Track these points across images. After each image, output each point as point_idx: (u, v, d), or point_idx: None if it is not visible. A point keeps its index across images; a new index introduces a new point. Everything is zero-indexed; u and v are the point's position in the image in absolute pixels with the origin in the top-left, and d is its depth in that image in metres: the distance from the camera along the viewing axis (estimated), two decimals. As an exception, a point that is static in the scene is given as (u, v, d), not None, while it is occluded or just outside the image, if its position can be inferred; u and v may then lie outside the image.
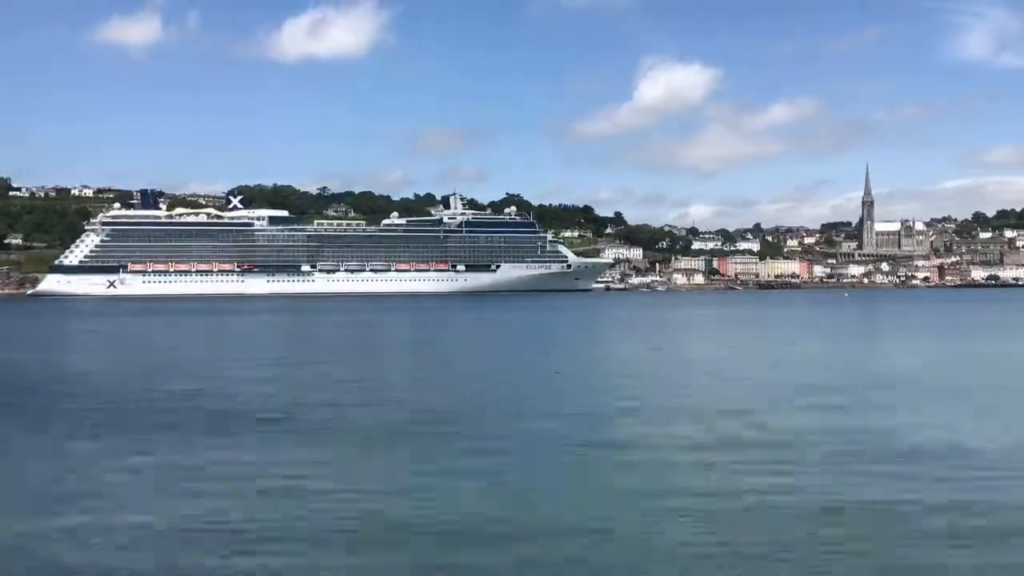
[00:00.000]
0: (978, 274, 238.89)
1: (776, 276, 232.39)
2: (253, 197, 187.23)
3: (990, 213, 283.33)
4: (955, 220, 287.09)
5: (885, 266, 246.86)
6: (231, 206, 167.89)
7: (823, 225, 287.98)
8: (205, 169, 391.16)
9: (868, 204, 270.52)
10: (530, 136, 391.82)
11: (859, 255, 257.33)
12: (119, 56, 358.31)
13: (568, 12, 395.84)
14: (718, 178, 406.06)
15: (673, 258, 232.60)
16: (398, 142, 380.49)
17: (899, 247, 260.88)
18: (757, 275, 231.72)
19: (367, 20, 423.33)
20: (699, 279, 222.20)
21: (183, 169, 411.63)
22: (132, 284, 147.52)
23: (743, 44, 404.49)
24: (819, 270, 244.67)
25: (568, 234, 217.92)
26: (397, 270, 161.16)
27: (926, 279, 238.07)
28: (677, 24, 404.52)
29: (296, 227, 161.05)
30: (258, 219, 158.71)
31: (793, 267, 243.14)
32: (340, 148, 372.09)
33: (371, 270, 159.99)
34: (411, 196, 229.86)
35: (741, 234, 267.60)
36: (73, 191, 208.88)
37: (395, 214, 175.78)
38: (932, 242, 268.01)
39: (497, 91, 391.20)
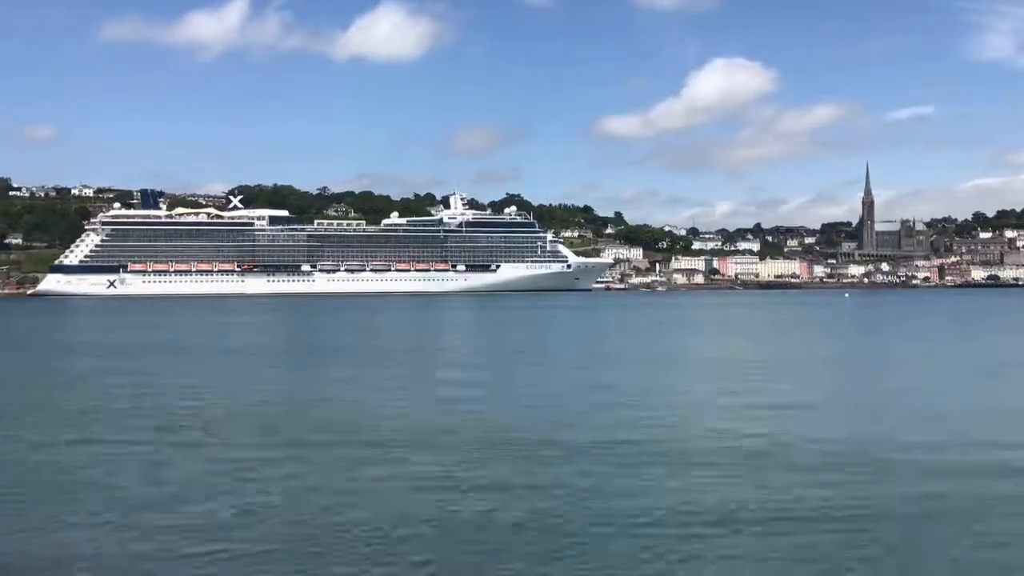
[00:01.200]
0: (978, 274, 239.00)
1: (776, 276, 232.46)
2: (253, 197, 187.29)
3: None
4: (955, 220, 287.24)
5: (885, 266, 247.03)
6: (231, 206, 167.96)
7: (823, 225, 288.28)
8: (237, 168, 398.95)
9: (868, 204, 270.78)
10: (567, 135, 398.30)
11: (859, 255, 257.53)
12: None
13: (631, 12, 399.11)
14: (750, 178, 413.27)
15: (673, 258, 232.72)
16: (437, 142, 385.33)
17: (899, 247, 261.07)
18: (757, 275, 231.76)
19: (416, 23, 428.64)
20: (699, 279, 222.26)
21: (222, 169, 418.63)
22: (132, 284, 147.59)
23: (786, 44, 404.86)
24: (819, 270, 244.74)
25: (568, 234, 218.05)
26: (397, 270, 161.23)
27: (926, 279, 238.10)
28: (728, 24, 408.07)
29: (296, 227, 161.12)
30: (258, 219, 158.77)
31: (793, 267, 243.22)
32: (376, 149, 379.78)
33: (371, 270, 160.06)
34: (411, 196, 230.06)
35: (741, 234, 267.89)
36: (73, 191, 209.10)
37: (395, 214, 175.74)
38: (932, 242, 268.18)
39: (538, 88, 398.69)
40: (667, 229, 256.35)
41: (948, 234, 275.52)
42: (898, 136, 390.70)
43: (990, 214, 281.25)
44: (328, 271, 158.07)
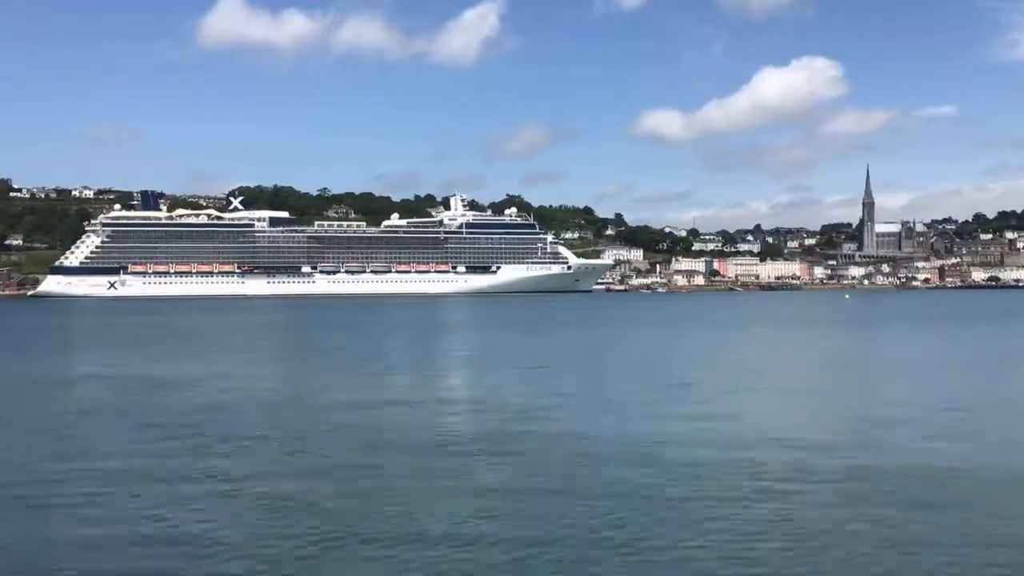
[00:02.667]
0: (978, 275, 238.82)
1: (776, 277, 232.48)
2: (253, 198, 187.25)
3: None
4: (955, 221, 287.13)
5: (885, 267, 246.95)
6: (231, 207, 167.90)
7: (823, 226, 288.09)
8: (281, 168, 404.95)
9: (868, 205, 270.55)
10: (611, 136, 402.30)
11: (859, 256, 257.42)
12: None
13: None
14: (790, 178, 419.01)
15: (673, 259, 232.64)
16: (484, 143, 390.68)
17: (899, 248, 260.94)
18: (757, 276, 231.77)
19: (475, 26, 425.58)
20: (699, 280, 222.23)
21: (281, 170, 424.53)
22: (133, 285, 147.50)
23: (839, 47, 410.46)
24: (819, 271, 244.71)
25: (568, 235, 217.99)
26: (397, 271, 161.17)
27: (926, 280, 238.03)
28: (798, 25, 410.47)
29: (297, 228, 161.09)
30: (259, 220, 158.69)
31: (793, 268, 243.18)
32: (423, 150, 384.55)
33: (372, 271, 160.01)
34: (411, 197, 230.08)
35: (742, 235, 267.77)
36: (74, 192, 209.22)
37: (395, 215, 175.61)
38: (932, 243, 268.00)
39: (585, 90, 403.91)
40: (667, 230, 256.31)
41: (948, 236, 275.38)
42: (924, 136, 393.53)
43: (990, 215, 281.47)
44: (328, 272, 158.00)
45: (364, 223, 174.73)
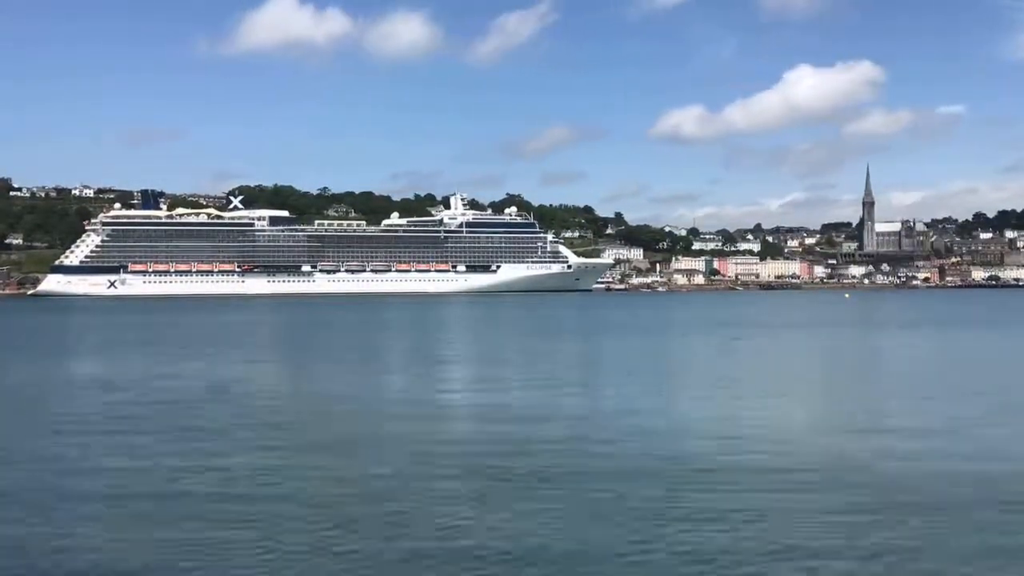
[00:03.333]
0: (978, 275, 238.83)
1: (776, 277, 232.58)
2: (253, 197, 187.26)
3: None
4: (955, 220, 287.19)
5: (885, 267, 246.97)
6: (231, 206, 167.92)
7: (823, 226, 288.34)
8: (309, 167, 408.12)
9: (868, 205, 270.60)
10: (633, 137, 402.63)
11: (860, 255, 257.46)
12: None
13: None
14: (810, 178, 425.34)
15: (673, 259, 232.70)
16: (507, 143, 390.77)
17: (900, 248, 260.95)
18: (757, 276, 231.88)
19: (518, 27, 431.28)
20: (699, 280, 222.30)
21: (297, 170, 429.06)
22: (133, 284, 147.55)
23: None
24: (819, 271, 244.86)
25: (568, 234, 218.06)
26: (397, 270, 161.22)
27: (926, 280, 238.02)
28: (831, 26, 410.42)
29: (297, 227, 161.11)
30: (259, 219, 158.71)
31: (793, 267, 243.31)
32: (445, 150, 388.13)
33: (372, 270, 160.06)
34: (411, 196, 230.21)
35: (742, 234, 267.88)
36: (74, 191, 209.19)
37: (395, 214, 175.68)
38: (932, 243, 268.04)
39: (610, 90, 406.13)
40: (667, 229, 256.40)
41: (948, 235, 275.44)
42: (941, 135, 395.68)
43: (990, 215, 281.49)
44: (328, 272, 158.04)
45: (364, 222, 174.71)
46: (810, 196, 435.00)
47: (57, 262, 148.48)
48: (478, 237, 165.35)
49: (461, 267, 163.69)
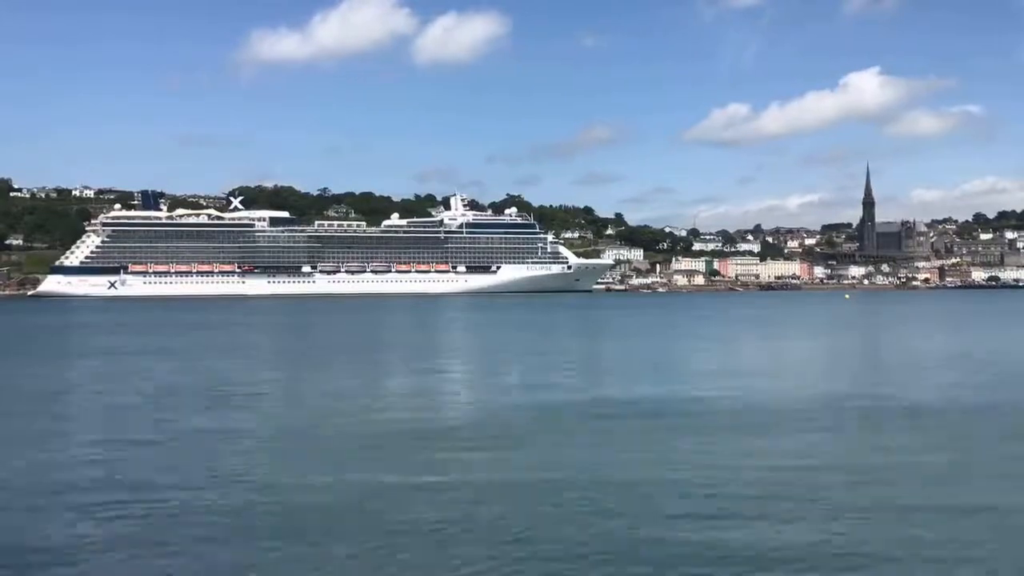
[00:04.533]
0: (979, 275, 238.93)
1: (777, 277, 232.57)
2: (254, 198, 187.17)
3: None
4: (956, 221, 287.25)
5: (885, 267, 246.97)
6: (232, 207, 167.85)
7: (823, 226, 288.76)
8: (316, 169, 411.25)
9: (869, 205, 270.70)
10: (673, 136, 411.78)
11: (860, 256, 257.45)
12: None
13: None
14: (830, 179, 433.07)
15: (674, 259, 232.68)
16: (541, 145, 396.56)
17: (900, 248, 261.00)
18: (757, 276, 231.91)
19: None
20: (699, 280, 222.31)
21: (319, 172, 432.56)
22: (133, 285, 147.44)
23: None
24: (819, 271, 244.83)
25: (569, 235, 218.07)
26: (398, 271, 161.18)
27: (926, 280, 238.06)
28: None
29: (297, 228, 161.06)
30: (259, 220, 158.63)
31: (794, 268, 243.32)
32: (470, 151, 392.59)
33: (372, 271, 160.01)
34: (412, 197, 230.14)
35: (742, 235, 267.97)
36: (74, 192, 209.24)
37: (396, 215, 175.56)
38: (933, 243, 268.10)
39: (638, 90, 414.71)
40: (667, 230, 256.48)
41: (948, 235, 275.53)
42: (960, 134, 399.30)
43: (991, 215, 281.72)
44: (328, 272, 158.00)
45: (364, 223, 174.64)
46: (836, 196, 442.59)
47: (57, 263, 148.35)
48: (478, 238, 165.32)
49: (461, 268, 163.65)
